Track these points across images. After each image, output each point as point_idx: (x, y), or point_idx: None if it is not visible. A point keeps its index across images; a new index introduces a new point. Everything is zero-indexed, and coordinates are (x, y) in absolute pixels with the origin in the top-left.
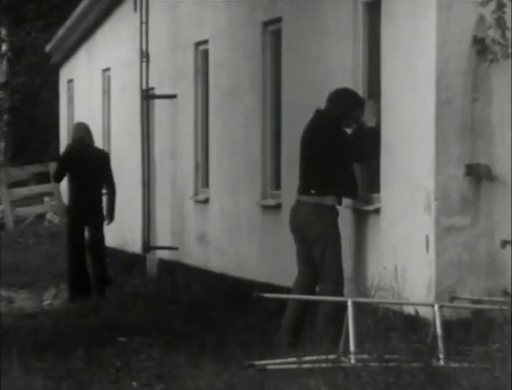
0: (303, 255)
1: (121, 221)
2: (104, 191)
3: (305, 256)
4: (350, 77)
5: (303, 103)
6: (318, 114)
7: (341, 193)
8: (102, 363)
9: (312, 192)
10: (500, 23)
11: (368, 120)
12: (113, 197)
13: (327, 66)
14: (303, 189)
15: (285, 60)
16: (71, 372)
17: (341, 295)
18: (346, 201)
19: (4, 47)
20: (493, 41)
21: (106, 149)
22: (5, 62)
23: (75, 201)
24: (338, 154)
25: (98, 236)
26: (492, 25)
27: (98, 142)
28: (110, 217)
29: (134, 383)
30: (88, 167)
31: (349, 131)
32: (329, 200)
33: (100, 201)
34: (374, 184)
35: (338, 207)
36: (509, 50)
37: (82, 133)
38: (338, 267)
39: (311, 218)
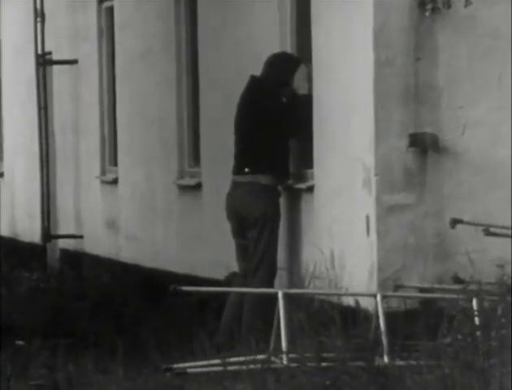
0: (243, 250)
1: (16, 206)
2: None
3: (247, 251)
4: (277, 35)
5: (224, 67)
6: (253, 81)
7: (275, 172)
8: None
9: (246, 170)
10: None
11: (300, 86)
12: None
13: (250, 24)
14: (237, 168)
15: (202, 19)
16: None
17: (272, 286)
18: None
19: None
20: None
21: None
22: None
23: None
24: (274, 128)
25: None
26: None
27: None
28: None
29: None
30: None
31: None
32: (264, 179)
33: None
34: (306, 159)
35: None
36: None
37: None
38: (272, 256)
39: (246, 199)
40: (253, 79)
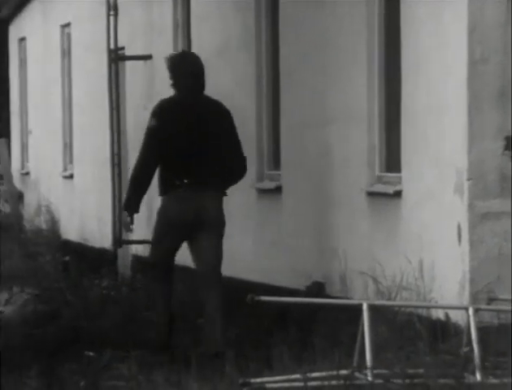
0: None
1: (86, 210)
2: None
3: None
4: (363, 31)
5: (306, 65)
6: None
7: None
8: (64, 383)
9: None
10: None
11: None
12: None
13: (334, 19)
14: None
15: (284, 13)
16: None
17: None
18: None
19: None
20: None
21: (67, 121)
22: None
23: None
24: None
25: None
26: None
27: (57, 112)
28: None
29: None
30: None
31: None
32: None
33: None
34: (393, 162)
35: None
36: None
37: None
38: None
39: None
40: None
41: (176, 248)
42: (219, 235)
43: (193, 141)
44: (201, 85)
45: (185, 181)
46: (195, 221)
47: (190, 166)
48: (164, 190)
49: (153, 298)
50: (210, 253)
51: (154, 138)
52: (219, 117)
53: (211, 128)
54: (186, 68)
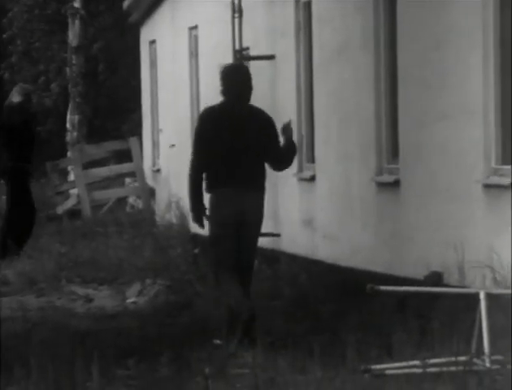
0: None
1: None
2: None
3: None
4: (479, 32)
5: (424, 63)
6: None
7: None
8: (193, 370)
9: None
10: None
11: None
12: None
13: (451, 19)
14: None
15: (402, 13)
16: (157, 381)
17: None
18: None
19: (76, 5)
20: None
21: (194, 119)
22: (77, 22)
23: None
24: None
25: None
26: None
27: (186, 112)
28: None
29: None
30: None
31: None
32: None
33: None
34: (509, 155)
35: None
36: None
37: None
38: None
39: None
40: None
41: (232, 244)
42: (257, 232)
43: (236, 144)
44: (248, 94)
45: (227, 181)
46: (237, 218)
47: (233, 167)
48: (209, 188)
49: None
50: (247, 251)
51: (200, 143)
52: (260, 123)
53: (253, 133)
54: (236, 78)
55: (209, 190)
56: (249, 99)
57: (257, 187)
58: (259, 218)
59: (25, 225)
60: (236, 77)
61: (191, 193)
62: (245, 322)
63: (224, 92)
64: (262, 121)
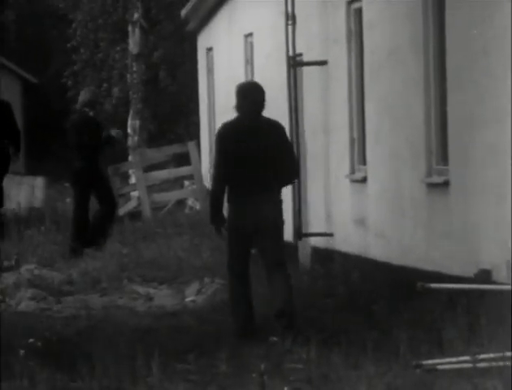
0: None
1: None
2: None
3: None
4: None
5: (472, 67)
6: None
7: None
8: (249, 366)
9: None
10: None
11: None
12: None
13: (499, 23)
14: None
15: (450, 17)
16: (215, 376)
17: None
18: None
19: (136, 15)
20: None
21: None
22: (137, 31)
23: None
24: None
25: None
26: None
27: None
28: None
29: (285, 389)
30: None
31: None
32: None
33: None
34: None
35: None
36: None
37: None
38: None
39: None
40: None
41: (246, 252)
42: (277, 234)
43: (252, 155)
44: (260, 109)
45: (245, 189)
46: (253, 227)
47: (249, 176)
48: (230, 199)
49: (231, 294)
50: (271, 253)
51: (220, 157)
52: (274, 133)
53: (268, 144)
54: (250, 95)
55: (229, 201)
56: (259, 113)
57: (272, 195)
58: (276, 223)
59: (110, 220)
60: (249, 94)
61: (212, 206)
62: (276, 317)
63: (237, 107)
64: (274, 131)
